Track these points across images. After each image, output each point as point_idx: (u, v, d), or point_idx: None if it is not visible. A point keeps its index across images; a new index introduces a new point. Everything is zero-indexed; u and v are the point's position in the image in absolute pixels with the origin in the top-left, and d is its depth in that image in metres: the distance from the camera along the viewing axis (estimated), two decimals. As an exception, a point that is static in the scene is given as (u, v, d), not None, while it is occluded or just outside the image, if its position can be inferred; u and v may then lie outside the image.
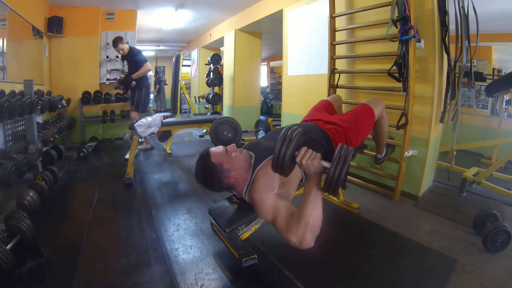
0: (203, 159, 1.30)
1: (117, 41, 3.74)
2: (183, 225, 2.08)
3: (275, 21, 4.33)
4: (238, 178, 1.31)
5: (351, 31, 2.85)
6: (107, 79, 4.93)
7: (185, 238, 1.89)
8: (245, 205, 1.42)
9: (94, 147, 4.41)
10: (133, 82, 3.77)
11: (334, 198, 2.40)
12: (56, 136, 3.31)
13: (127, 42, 3.85)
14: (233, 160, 1.30)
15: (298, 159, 1.07)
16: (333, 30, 2.88)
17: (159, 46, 8.42)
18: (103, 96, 4.83)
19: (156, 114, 3.28)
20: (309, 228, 1.07)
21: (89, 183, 2.97)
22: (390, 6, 2.24)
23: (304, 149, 1.08)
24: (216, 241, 1.84)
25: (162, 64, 10.49)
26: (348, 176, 2.77)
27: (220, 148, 1.33)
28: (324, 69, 3.05)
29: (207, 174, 1.29)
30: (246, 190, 1.34)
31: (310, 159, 1.06)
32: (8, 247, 1.52)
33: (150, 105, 5.56)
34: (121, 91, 4.60)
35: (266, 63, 10.84)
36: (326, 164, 1.04)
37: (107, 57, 4.87)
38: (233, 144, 1.37)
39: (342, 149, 1.00)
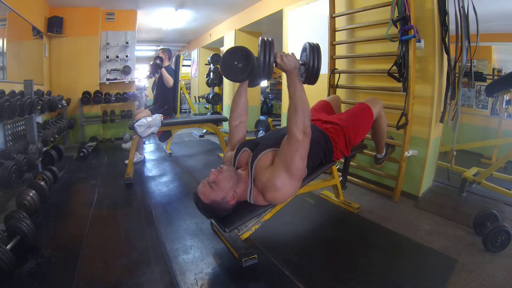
0: (198, 205, 1.35)
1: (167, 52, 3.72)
2: (183, 225, 2.08)
3: (275, 21, 4.33)
4: (236, 194, 1.35)
5: (351, 31, 2.85)
6: (107, 79, 4.93)
7: (185, 238, 1.89)
8: (245, 205, 1.42)
9: (94, 147, 4.41)
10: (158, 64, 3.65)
11: (334, 198, 2.40)
12: (56, 136, 3.31)
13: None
14: (221, 186, 1.31)
15: (278, 60, 1.26)
16: (333, 30, 2.88)
17: (159, 46, 8.41)
18: (103, 96, 4.83)
19: (156, 114, 3.27)
20: (306, 114, 1.23)
21: (89, 183, 2.97)
22: (390, 6, 2.23)
23: (278, 52, 1.28)
24: (216, 241, 1.84)
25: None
26: (348, 176, 2.77)
27: (203, 186, 1.35)
28: (324, 69, 3.04)
29: (209, 213, 1.35)
30: (250, 193, 1.35)
31: (286, 57, 1.25)
32: (8, 247, 1.52)
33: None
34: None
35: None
36: (301, 60, 1.32)
37: (107, 57, 4.86)
38: (212, 170, 1.37)
39: (311, 44, 1.29)
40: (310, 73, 1.28)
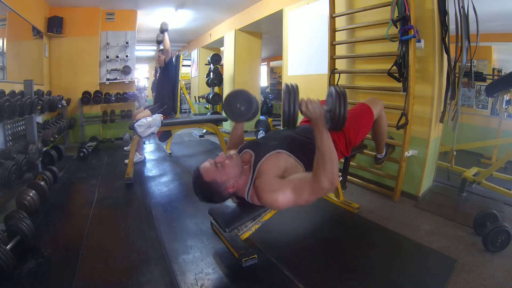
0: (196, 180, 1.30)
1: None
2: (183, 225, 2.08)
3: (275, 21, 4.33)
4: (236, 184, 1.33)
5: (351, 31, 2.85)
6: (107, 79, 4.93)
7: (185, 238, 1.89)
8: (245, 205, 1.42)
9: (94, 147, 4.41)
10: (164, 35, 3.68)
11: (334, 198, 2.40)
12: (56, 136, 3.31)
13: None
14: (226, 170, 1.29)
15: (303, 108, 1.20)
16: (333, 30, 2.88)
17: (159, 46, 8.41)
18: (103, 96, 4.82)
19: (156, 114, 3.28)
20: (334, 163, 1.18)
21: (89, 183, 2.97)
22: (390, 6, 2.24)
23: (303, 99, 1.21)
24: (216, 241, 1.84)
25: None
26: (348, 176, 2.77)
27: (208, 163, 1.33)
28: (324, 69, 3.05)
29: (206, 194, 1.31)
30: (248, 190, 1.34)
31: (312, 104, 1.20)
32: (8, 247, 1.52)
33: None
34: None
35: (266, 63, 10.84)
36: (327, 107, 1.24)
37: (107, 57, 4.86)
38: (221, 154, 1.37)
39: (336, 89, 1.22)
40: (335, 120, 1.21)
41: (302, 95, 1.20)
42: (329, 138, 1.20)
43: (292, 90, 1.20)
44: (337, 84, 2.89)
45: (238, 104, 1.60)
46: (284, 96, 1.21)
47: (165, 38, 3.66)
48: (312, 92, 3.49)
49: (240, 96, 1.62)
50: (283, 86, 1.25)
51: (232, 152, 1.41)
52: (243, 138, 1.83)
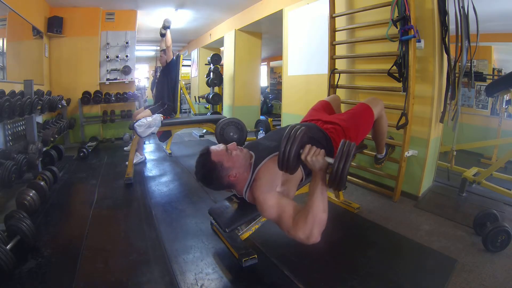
0: (203, 157, 1.28)
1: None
2: (183, 225, 2.08)
3: (275, 21, 4.33)
4: (238, 176, 1.31)
5: (351, 31, 2.85)
6: (107, 79, 4.93)
7: (185, 238, 1.89)
8: (245, 205, 1.42)
9: (94, 147, 4.41)
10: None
11: (334, 198, 2.40)
12: (56, 136, 3.31)
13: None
14: (234, 158, 1.29)
15: (303, 156, 1.11)
16: (333, 30, 2.88)
17: (159, 46, 8.42)
18: (103, 96, 4.82)
19: (156, 114, 3.28)
20: (316, 223, 1.12)
21: (89, 183, 2.97)
22: (390, 6, 2.24)
23: (308, 146, 1.12)
24: (216, 241, 1.84)
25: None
26: (348, 176, 2.77)
27: (220, 146, 1.33)
28: (324, 69, 3.05)
29: (207, 172, 1.28)
30: (246, 189, 1.34)
31: (314, 155, 1.11)
32: (8, 247, 1.52)
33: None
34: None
35: (266, 63, 10.84)
36: (330, 160, 1.10)
37: (107, 57, 4.86)
38: (234, 143, 1.37)
39: (344, 145, 1.08)
40: (334, 177, 1.06)
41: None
42: (322, 194, 1.14)
43: (294, 134, 1.10)
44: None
45: (231, 133, 1.73)
46: (283, 138, 1.11)
47: (167, 35, 3.68)
48: (312, 92, 3.52)
49: (231, 125, 1.78)
50: (288, 128, 1.15)
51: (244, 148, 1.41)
52: None
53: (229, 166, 1.28)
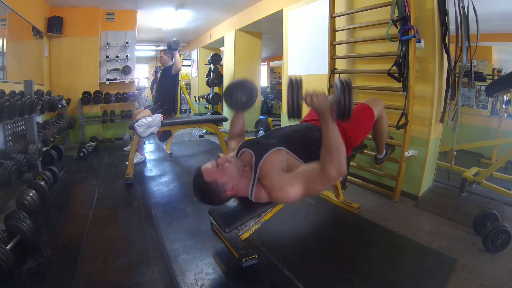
0: (197, 179, 1.31)
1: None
2: (183, 225, 2.08)
3: (275, 21, 4.33)
4: (236, 187, 1.33)
5: (351, 31, 2.85)
6: (107, 79, 4.93)
7: (185, 238, 1.89)
8: (245, 205, 1.42)
9: (94, 147, 4.41)
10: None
11: (334, 198, 2.40)
12: (56, 136, 3.31)
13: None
14: (226, 172, 1.31)
15: (308, 101, 1.21)
16: (333, 30, 2.88)
17: (159, 46, 8.42)
18: (103, 96, 4.83)
19: (156, 114, 3.28)
20: (341, 153, 1.18)
21: (89, 183, 2.97)
22: (390, 6, 2.24)
23: (309, 91, 1.23)
24: (216, 241, 1.84)
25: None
26: (348, 176, 2.77)
27: (210, 164, 1.34)
28: (324, 69, 3.05)
29: (205, 193, 1.31)
30: (252, 190, 1.35)
31: (317, 97, 1.21)
32: (8, 247, 1.52)
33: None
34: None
35: (266, 63, 10.84)
36: (330, 97, 1.24)
37: (107, 57, 4.86)
38: (223, 156, 1.38)
39: (342, 80, 1.21)
40: (342, 110, 1.21)
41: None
42: (335, 129, 1.21)
43: (296, 83, 1.22)
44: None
45: (239, 95, 1.59)
46: (288, 89, 1.22)
47: (176, 57, 3.62)
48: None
49: (241, 86, 1.62)
50: (287, 80, 1.26)
51: (231, 154, 1.41)
52: (244, 127, 1.81)
53: (224, 181, 1.30)
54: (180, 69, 3.67)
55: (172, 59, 3.69)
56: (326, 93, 2.90)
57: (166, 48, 3.70)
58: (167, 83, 3.72)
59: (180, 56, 4.59)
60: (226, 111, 5.95)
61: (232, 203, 1.54)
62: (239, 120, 1.78)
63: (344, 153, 1.20)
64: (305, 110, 1.27)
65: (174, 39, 3.62)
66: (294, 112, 1.23)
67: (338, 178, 1.19)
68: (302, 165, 1.39)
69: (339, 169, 1.17)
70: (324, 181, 1.20)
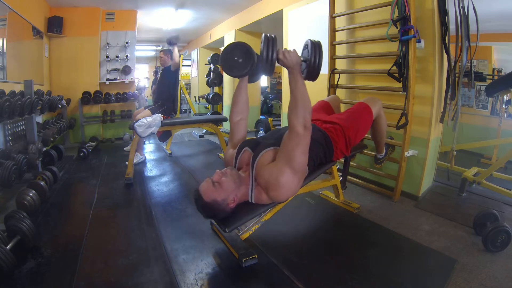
0: (198, 202, 1.34)
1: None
2: (183, 225, 2.08)
3: (275, 21, 4.33)
4: (237, 198, 1.35)
5: (351, 31, 2.85)
6: (107, 79, 4.93)
7: (185, 238, 1.89)
8: (245, 205, 1.42)
9: (94, 147, 4.41)
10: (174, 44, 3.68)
11: (334, 198, 2.40)
12: (56, 136, 3.31)
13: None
14: (224, 187, 1.31)
15: (281, 55, 1.28)
16: (333, 30, 2.88)
17: (159, 46, 8.42)
18: (103, 96, 4.83)
19: (156, 114, 3.28)
20: (306, 108, 1.25)
21: (89, 183, 2.97)
22: (390, 6, 2.23)
23: (281, 48, 1.30)
24: (216, 241, 1.84)
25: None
26: (348, 176, 2.77)
27: (206, 183, 1.34)
28: (324, 69, 3.04)
29: (209, 213, 1.34)
30: (251, 193, 1.35)
31: (288, 53, 1.27)
32: (8, 247, 1.52)
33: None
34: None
35: (266, 63, 10.81)
36: (303, 57, 1.34)
37: (107, 57, 4.86)
38: (217, 171, 1.38)
39: (312, 41, 1.33)
40: (311, 69, 1.30)
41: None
42: (303, 85, 1.27)
43: (271, 39, 1.28)
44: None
45: (236, 57, 1.47)
46: (263, 44, 1.29)
47: (174, 51, 3.64)
48: (311, 92, 3.50)
49: (237, 48, 1.49)
50: (262, 35, 1.32)
51: (228, 169, 1.40)
52: (247, 102, 1.63)
53: (224, 197, 1.31)
54: (178, 63, 3.68)
55: (171, 58, 3.69)
56: (326, 94, 2.92)
57: (166, 48, 3.70)
58: (167, 83, 3.72)
59: (180, 56, 4.58)
60: (226, 111, 5.96)
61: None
62: (240, 92, 1.59)
63: (309, 109, 1.26)
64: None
65: (174, 34, 3.64)
66: (268, 67, 1.29)
67: (306, 133, 1.24)
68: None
69: (304, 123, 1.23)
70: (295, 140, 1.25)
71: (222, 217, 1.37)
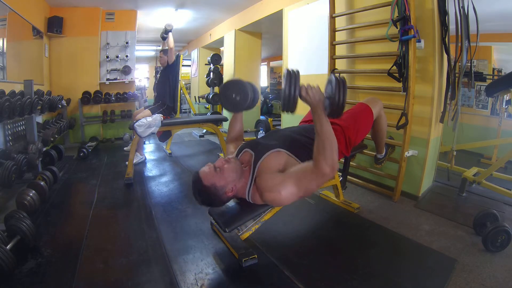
0: (196, 184, 1.32)
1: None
2: (183, 225, 2.08)
3: (275, 21, 4.33)
4: (235, 188, 1.34)
5: (351, 31, 2.85)
6: (107, 79, 4.93)
7: (185, 238, 1.89)
8: (245, 205, 1.43)
9: (94, 147, 4.41)
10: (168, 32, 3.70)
11: (334, 198, 2.40)
12: (56, 136, 3.31)
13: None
14: (224, 174, 1.31)
15: (303, 93, 1.21)
16: (333, 30, 2.88)
17: (159, 46, 8.42)
18: (103, 96, 4.83)
19: (156, 114, 3.28)
20: (334, 149, 1.19)
21: (89, 183, 2.97)
22: (390, 6, 2.24)
23: (304, 85, 1.23)
24: (216, 241, 1.84)
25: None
26: (348, 176, 2.77)
27: (208, 168, 1.34)
28: (324, 69, 3.05)
29: (205, 197, 1.32)
30: (249, 190, 1.35)
31: (312, 90, 1.21)
32: (8, 247, 1.52)
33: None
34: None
35: (266, 63, 10.84)
36: (326, 93, 1.25)
37: (107, 57, 4.86)
38: (220, 158, 1.39)
39: (337, 78, 1.21)
40: (335, 107, 1.21)
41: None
42: (328, 124, 1.21)
43: (293, 75, 1.21)
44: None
45: (234, 94, 1.58)
46: (285, 80, 1.22)
47: (170, 38, 3.67)
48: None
49: (234, 86, 1.61)
50: (284, 70, 1.26)
51: (231, 155, 1.41)
52: (242, 130, 1.82)
53: (223, 184, 1.30)
54: (174, 49, 3.72)
55: (170, 56, 3.70)
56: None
57: (166, 48, 3.71)
58: (167, 83, 3.72)
59: (180, 56, 4.58)
60: (225, 111, 5.95)
61: (232, 203, 1.55)
62: (236, 122, 1.78)
63: (336, 149, 1.20)
64: (301, 107, 1.28)
65: (167, 22, 3.67)
66: (290, 104, 1.22)
67: (332, 174, 1.20)
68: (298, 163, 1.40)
69: (332, 165, 1.17)
70: (318, 178, 1.20)
71: (217, 205, 1.36)
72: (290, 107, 1.24)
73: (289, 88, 1.20)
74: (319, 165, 1.18)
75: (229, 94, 1.60)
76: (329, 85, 1.29)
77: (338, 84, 1.20)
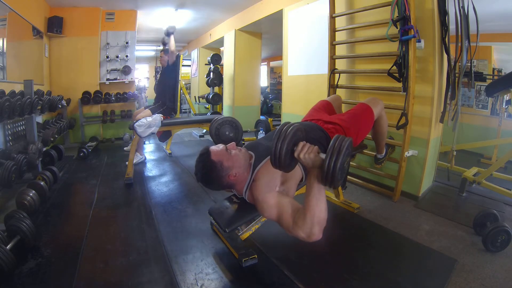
0: (203, 157, 1.28)
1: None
2: (183, 225, 2.08)
3: (275, 21, 4.33)
4: (238, 176, 1.31)
5: (351, 31, 2.85)
6: (107, 79, 4.93)
7: (185, 238, 1.89)
8: (245, 205, 1.42)
9: (94, 147, 4.41)
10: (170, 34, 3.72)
11: (334, 198, 2.40)
12: (56, 136, 3.31)
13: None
14: (233, 158, 1.30)
15: (296, 154, 1.08)
16: (333, 30, 2.88)
17: (159, 46, 8.42)
18: (103, 96, 4.83)
19: (156, 114, 3.27)
20: (315, 221, 1.09)
21: (89, 183, 2.97)
22: (390, 6, 2.23)
23: (301, 143, 1.09)
24: (216, 241, 1.84)
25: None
26: (348, 176, 2.77)
27: (220, 146, 1.34)
28: (324, 69, 3.05)
29: (207, 172, 1.28)
30: (246, 189, 1.34)
31: (307, 152, 1.06)
32: (8, 247, 1.52)
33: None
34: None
35: (266, 63, 10.84)
36: (324, 156, 1.01)
37: (107, 57, 4.86)
38: (233, 142, 1.37)
39: (337, 140, 0.99)
40: (325, 173, 0.98)
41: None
42: (319, 192, 1.08)
43: (284, 134, 1.05)
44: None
45: (227, 132, 1.70)
46: (274, 138, 1.07)
47: (171, 40, 3.67)
48: (312, 92, 3.52)
49: (226, 123, 1.77)
50: (281, 126, 1.10)
51: (243, 148, 1.41)
52: None
53: (229, 165, 1.28)
54: (175, 52, 3.71)
55: (171, 55, 3.70)
56: (326, 94, 2.92)
57: (167, 48, 3.71)
58: (167, 83, 3.72)
59: (180, 56, 4.58)
60: (226, 111, 5.96)
61: (232, 203, 1.55)
62: None
63: (320, 223, 1.10)
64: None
65: (170, 24, 3.67)
66: (276, 162, 1.06)
67: (307, 240, 1.11)
68: (300, 171, 1.38)
69: (309, 234, 1.09)
70: (290, 231, 1.16)
71: (214, 187, 1.33)
72: (279, 166, 1.08)
73: (275, 145, 1.04)
74: (296, 226, 1.13)
75: (222, 131, 1.85)
76: (329, 149, 1.02)
77: (333, 150, 0.96)
